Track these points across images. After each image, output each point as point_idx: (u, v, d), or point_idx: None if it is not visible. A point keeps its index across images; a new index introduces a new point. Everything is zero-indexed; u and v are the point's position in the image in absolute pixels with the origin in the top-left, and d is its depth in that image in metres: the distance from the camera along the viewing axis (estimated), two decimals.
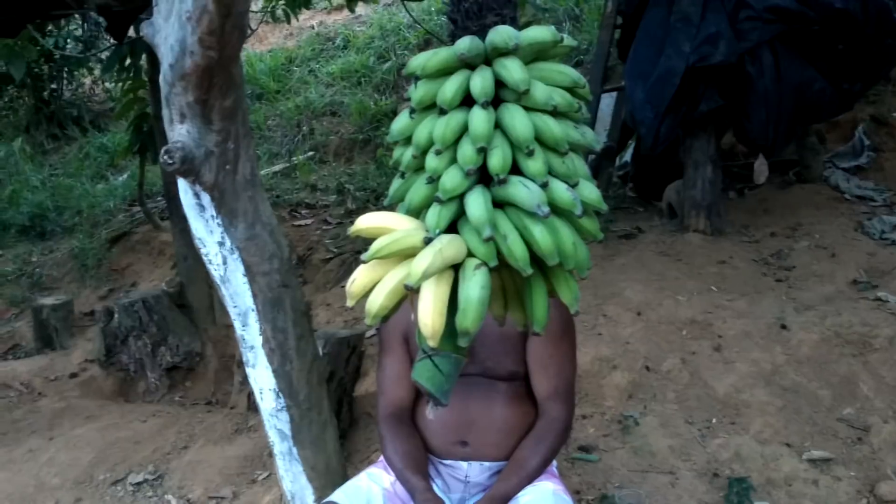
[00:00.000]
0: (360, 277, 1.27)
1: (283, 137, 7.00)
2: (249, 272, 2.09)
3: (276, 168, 6.45)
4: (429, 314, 1.18)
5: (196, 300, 4.25)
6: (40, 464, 3.11)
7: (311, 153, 6.69)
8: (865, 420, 2.70)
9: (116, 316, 3.85)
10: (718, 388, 2.87)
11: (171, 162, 1.87)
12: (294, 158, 6.56)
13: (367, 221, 1.31)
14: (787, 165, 4.93)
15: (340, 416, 2.86)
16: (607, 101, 5.02)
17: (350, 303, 1.29)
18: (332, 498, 1.99)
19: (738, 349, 3.06)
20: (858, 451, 2.59)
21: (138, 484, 2.98)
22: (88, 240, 5.49)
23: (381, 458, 2.14)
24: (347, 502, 1.97)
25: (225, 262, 2.07)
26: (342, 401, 2.94)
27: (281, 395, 2.24)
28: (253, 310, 2.14)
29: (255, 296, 2.12)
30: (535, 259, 1.24)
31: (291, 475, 2.39)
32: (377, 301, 1.23)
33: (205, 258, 2.12)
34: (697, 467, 2.53)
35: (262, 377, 2.23)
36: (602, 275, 3.71)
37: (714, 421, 2.74)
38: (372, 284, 1.25)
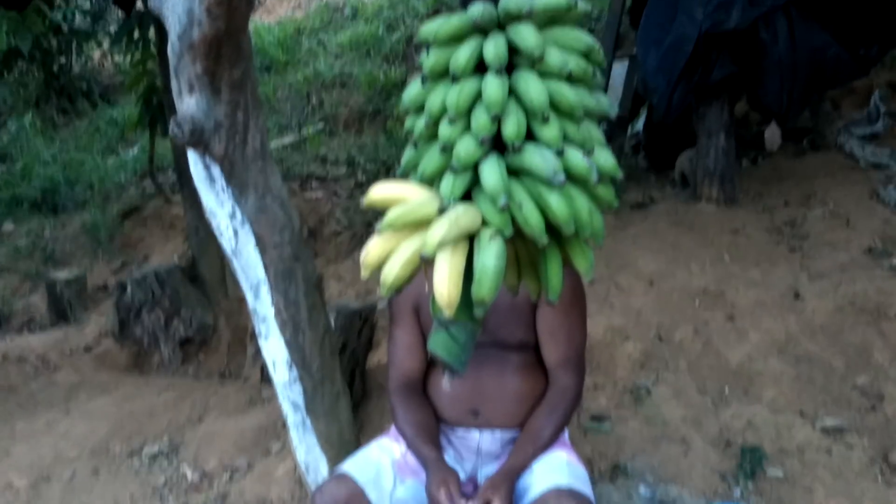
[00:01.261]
0: (374, 248, 1.26)
1: (293, 109, 6.97)
2: (261, 244, 2.08)
3: (286, 140, 6.43)
4: (444, 284, 1.17)
5: (208, 273, 4.25)
6: (57, 435, 3.14)
7: (320, 125, 6.66)
8: (879, 388, 2.69)
9: (129, 290, 3.86)
10: (731, 358, 2.86)
11: (180, 133, 1.87)
12: (304, 130, 6.53)
13: (380, 191, 1.30)
14: (801, 133, 4.87)
15: (353, 387, 2.87)
16: (619, 70, 4.96)
17: (364, 274, 1.28)
18: (343, 468, 2.00)
19: (752, 318, 3.05)
20: (872, 420, 2.58)
21: (154, 455, 3.01)
22: (100, 214, 5.50)
23: (393, 427, 2.15)
24: (358, 472, 1.98)
25: (236, 235, 2.07)
26: (354, 372, 2.95)
27: (294, 366, 2.24)
28: (265, 282, 2.15)
29: (266, 268, 2.12)
30: (550, 228, 1.23)
31: (305, 446, 2.41)
32: (392, 272, 1.22)
33: (216, 230, 2.12)
34: (710, 436, 2.53)
35: (274, 349, 2.24)
36: (614, 245, 3.70)
37: (727, 390, 2.74)
38: (386, 255, 1.25)
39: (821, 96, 4.58)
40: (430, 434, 2.02)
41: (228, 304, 4.20)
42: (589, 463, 2.44)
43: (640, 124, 5.17)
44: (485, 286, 1.17)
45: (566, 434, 2.11)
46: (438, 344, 1.31)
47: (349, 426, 2.51)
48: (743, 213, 4.04)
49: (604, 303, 3.24)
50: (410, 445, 2.02)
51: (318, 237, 4.92)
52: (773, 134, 4.66)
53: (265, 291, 2.16)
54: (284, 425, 2.87)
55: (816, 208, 4.02)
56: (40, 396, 3.53)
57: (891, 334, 2.89)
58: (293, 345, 2.23)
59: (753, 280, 3.31)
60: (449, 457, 2.07)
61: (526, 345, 2.04)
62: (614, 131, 4.70)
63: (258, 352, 3.59)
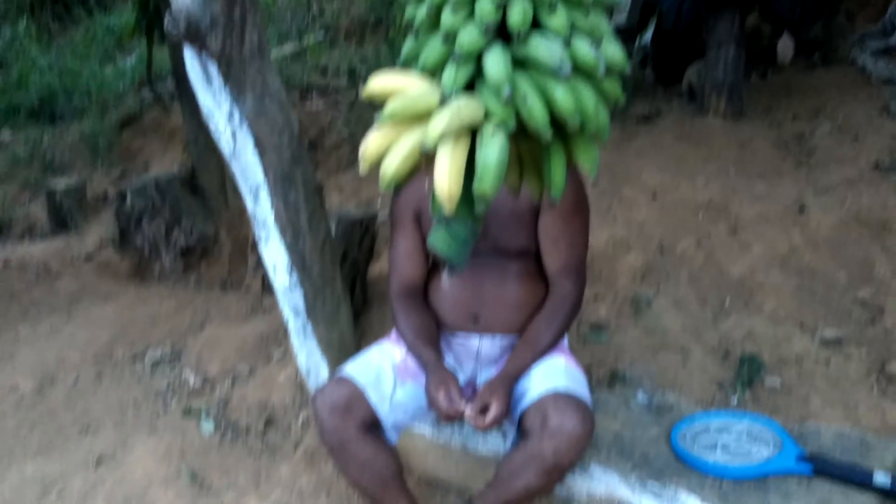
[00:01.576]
0: (373, 141, 1.22)
1: (293, 18, 6.81)
2: (259, 146, 2.05)
3: (286, 50, 6.29)
4: (445, 178, 1.14)
5: (208, 183, 4.21)
6: (61, 340, 3.16)
7: (321, 34, 6.51)
8: (880, 301, 2.69)
9: (129, 199, 3.83)
10: (733, 270, 2.86)
11: (175, 28, 1.81)
12: (304, 40, 6.39)
13: (379, 82, 1.25)
14: (813, 46, 4.76)
15: (354, 296, 2.87)
16: None
17: (363, 168, 1.25)
18: (343, 371, 2.01)
19: (755, 231, 3.03)
20: (871, 332, 2.59)
21: (156, 361, 3.04)
22: (98, 123, 5.42)
23: (394, 332, 2.16)
24: (358, 375, 1.99)
25: (234, 136, 2.03)
26: (355, 281, 2.95)
27: (294, 270, 2.24)
28: (264, 185, 2.12)
29: (265, 170, 2.09)
30: (555, 123, 1.20)
31: (306, 351, 2.42)
32: (392, 165, 1.19)
33: (214, 132, 2.08)
34: (709, 346, 2.54)
35: (274, 253, 2.23)
36: (618, 158, 3.66)
37: (727, 301, 2.74)
38: (386, 148, 1.21)
39: (835, 7, 4.45)
40: (430, 338, 2.03)
41: (229, 214, 4.17)
42: (587, 371, 2.45)
43: (648, 37, 5.05)
44: (487, 180, 1.14)
45: (565, 341, 2.12)
46: (438, 240, 1.29)
47: (350, 332, 2.52)
48: (750, 126, 3.98)
49: (606, 215, 3.21)
50: (411, 349, 2.03)
51: (318, 149, 4.87)
52: (785, 46, 4.54)
53: (264, 195, 2.13)
54: (285, 332, 2.89)
55: (825, 123, 3.95)
56: (42, 303, 3.55)
57: (894, 248, 2.88)
58: (293, 249, 2.21)
59: (758, 193, 3.28)
60: (448, 362, 2.09)
61: (527, 252, 2.03)
62: (622, 43, 4.59)
63: (259, 262, 3.59)
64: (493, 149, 1.15)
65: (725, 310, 2.71)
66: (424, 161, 1.19)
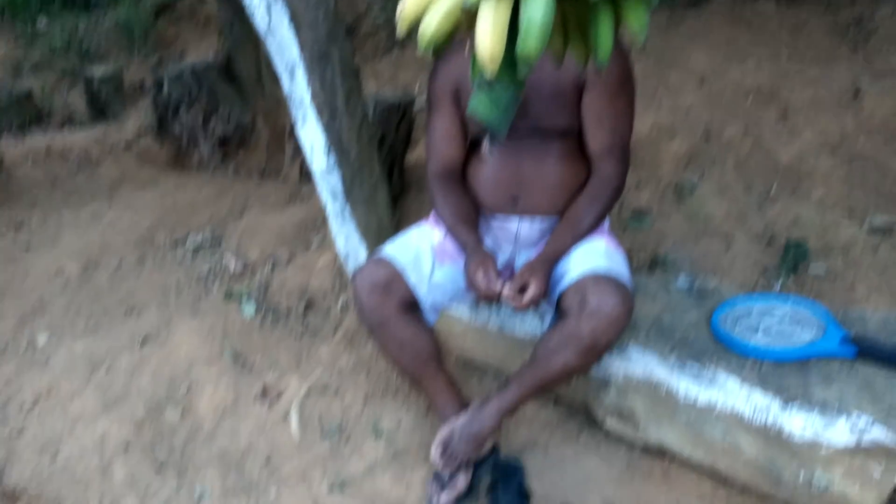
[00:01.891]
0: (411, 1, 1.17)
1: None
2: (295, 21, 1.99)
3: None
4: (488, 36, 1.09)
5: (244, 71, 4.14)
6: (103, 225, 3.21)
7: None
8: None
9: (166, 86, 3.80)
10: (781, 156, 2.77)
11: None
12: None
13: None
14: None
15: (391, 182, 2.85)
16: None
17: (401, 29, 1.20)
18: (382, 252, 2.01)
19: (806, 117, 2.92)
20: None
21: (197, 246, 3.07)
22: (134, 10, 5.35)
23: (432, 213, 2.14)
24: (397, 255, 1.99)
25: (269, 11, 1.98)
26: (393, 167, 2.92)
27: (332, 151, 2.21)
28: (300, 63, 2.07)
29: (301, 47, 2.03)
30: None
31: (344, 234, 2.42)
32: (431, 24, 1.13)
33: (248, 8, 2.02)
34: (753, 233, 2.49)
35: (312, 134, 2.20)
36: (665, 42, 3.52)
37: (774, 188, 2.67)
38: (424, 8, 1.16)
39: None
40: (469, 219, 2.01)
41: (266, 103, 4.12)
42: (628, 256, 2.43)
43: None
44: (531, 40, 1.09)
45: (606, 223, 2.08)
46: (479, 105, 1.24)
47: (388, 216, 2.51)
48: (805, 10, 3.79)
49: (651, 100, 3.11)
50: (450, 230, 2.01)
51: (355, 35, 4.76)
52: None
53: (300, 73, 2.09)
54: (324, 220, 2.89)
55: (885, 6, 3.74)
56: (84, 189, 3.58)
57: None
58: (330, 130, 2.18)
59: (811, 78, 3.15)
60: (487, 244, 2.07)
61: (569, 131, 1.97)
62: None
63: (297, 150, 3.58)
64: (537, 7, 1.09)
65: (772, 196, 2.63)
66: (465, 20, 1.14)
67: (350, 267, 2.48)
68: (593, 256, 1.89)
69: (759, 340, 1.88)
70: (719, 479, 1.97)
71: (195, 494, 2.09)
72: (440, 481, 2.01)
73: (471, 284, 1.90)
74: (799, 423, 1.73)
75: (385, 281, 1.94)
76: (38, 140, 4.04)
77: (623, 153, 1.97)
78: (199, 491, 2.10)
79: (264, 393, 2.39)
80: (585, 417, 2.19)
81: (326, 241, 2.90)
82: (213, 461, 2.18)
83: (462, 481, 2.01)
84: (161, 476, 2.14)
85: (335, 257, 2.79)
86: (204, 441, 2.25)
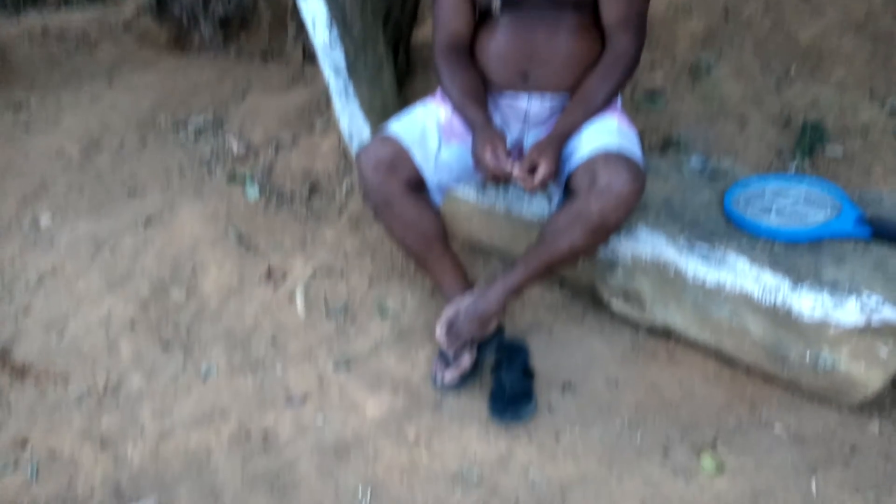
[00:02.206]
0: None
1: None
2: None
3: None
4: None
5: None
6: (103, 106, 3.14)
7: None
8: None
9: None
10: (802, 36, 2.65)
11: None
12: None
13: None
14: None
15: (397, 60, 2.75)
16: None
17: None
18: (388, 129, 1.95)
19: None
20: None
21: (199, 128, 3.01)
22: None
23: (438, 91, 2.07)
24: (403, 133, 1.93)
25: None
26: (398, 45, 2.81)
27: (334, 25, 2.12)
28: None
29: None
30: None
31: (348, 113, 2.36)
32: None
33: None
34: (770, 114, 2.41)
35: (314, 6, 2.11)
36: None
37: (793, 69, 2.57)
38: None
39: None
40: (477, 96, 1.94)
41: None
42: (640, 136, 2.37)
43: None
44: None
45: (619, 101, 2.01)
46: None
47: (393, 96, 2.44)
48: None
49: None
50: (457, 107, 1.94)
51: None
52: None
53: None
54: (328, 103, 2.82)
55: None
56: (83, 70, 3.50)
57: None
58: (332, 2, 2.09)
59: None
60: (496, 123, 2.01)
61: (583, 2, 1.88)
62: None
63: (299, 31, 3.46)
64: None
65: (790, 77, 2.54)
66: None
67: (354, 147, 2.43)
68: (605, 134, 1.83)
69: (771, 221, 1.84)
70: (724, 360, 1.97)
71: (201, 371, 2.11)
72: (445, 360, 2.02)
73: (478, 164, 1.85)
74: (808, 304, 1.71)
75: (390, 158, 1.89)
76: (34, 20, 3.93)
77: (639, 26, 1.88)
78: (206, 367, 2.12)
79: (269, 274, 2.39)
80: (591, 299, 2.18)
81: (331, 125, 2.84)
82: (219, 339, 2.19)
83: (467, 360, 2.01)
84: (167, 353, 2.16)
85: (339, 140, 2.74)
86: (209, 320, 2.25)
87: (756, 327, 1.82)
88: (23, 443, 1.95)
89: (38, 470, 1.88)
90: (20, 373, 2.12)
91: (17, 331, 2.24)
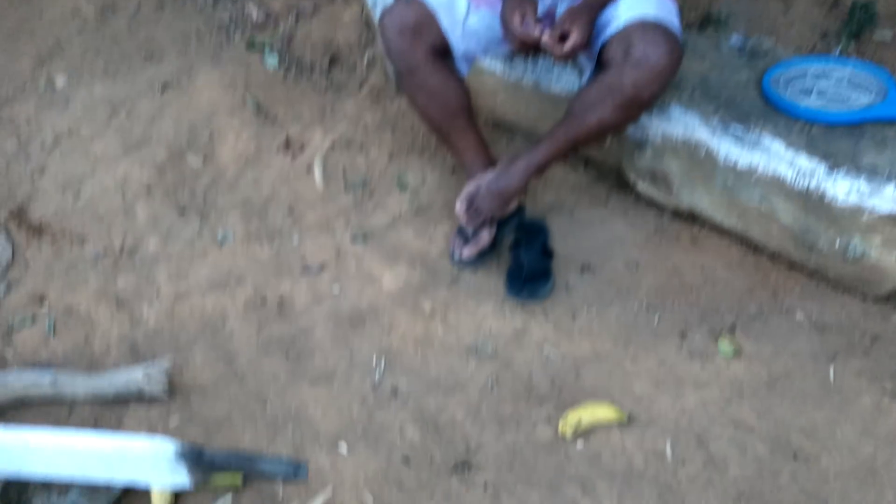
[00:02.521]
0: None
1: None
2: None
3: None
4: None
5: None
6: None
7: None
8: None
9: None
10: None
11: None
12: None
13: None
14: None
15: None
16: None
17: None
18: None
19: None
20: None
21: None
22: None
23: None
24: None
25: None
26: None
27: None
28: None
29: None
30: None
31: None
32: None
33: None
34: None
35: None
36: None
37: None
38: None
39: None
40: None
41: None
42: (679, 10, 2.25)
43: None
44: None
45: None
46: None
47: None
48: None
49: None
50: None
51: None
52: None
53: None
54: None
55: None
56: None
57: None
58: None
59: None
60: None
61: None
62: None
63: None
64: None
65: None
66: None
67: (377, 13, 2.33)
68: (643, 3, 1.73)
69: (812, 103, 1.76)
70: (749, 246, 1.93)
71: (218, 237, 2.09)
72: (463, 236, 1.99)
73: (507, 30, 1.76)
74: (843, 189, 1.65)
75: (415, 22, 1.81)
76: None
77: None
78: (222, 234, 2.10)
79: (287, 145, 2.34)
80: (616, 181, 2.12)
81: None
82: (236, 207, 2.17)
83: (486, 237, 1.98)
84: (184, 218, 2.14)
85: (361, 10, 2.63)
86: (226, 188, 2.22)
87: (786, 213, 1.76)
88: (40, 299, 1.96)
89: (55, 325, 1.89)
90: (37, 231, 2.11)
91: (34, 190, 2.22)
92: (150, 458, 1.03)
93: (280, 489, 1.54)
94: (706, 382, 1.69)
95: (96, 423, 1.66)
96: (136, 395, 1.68)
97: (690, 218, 1.99)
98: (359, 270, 1.99)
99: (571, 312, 1.87)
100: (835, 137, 1.71)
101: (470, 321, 1.86)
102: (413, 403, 1.70)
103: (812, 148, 1.69)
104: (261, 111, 2.41)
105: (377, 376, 1.76)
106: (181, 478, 1.04)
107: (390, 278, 1.97)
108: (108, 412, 1.68)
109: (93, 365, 1.80)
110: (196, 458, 1.02)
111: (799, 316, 1.80)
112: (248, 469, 0.97)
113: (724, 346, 1.75)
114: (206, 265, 2.02)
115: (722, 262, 1.93)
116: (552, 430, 1.62)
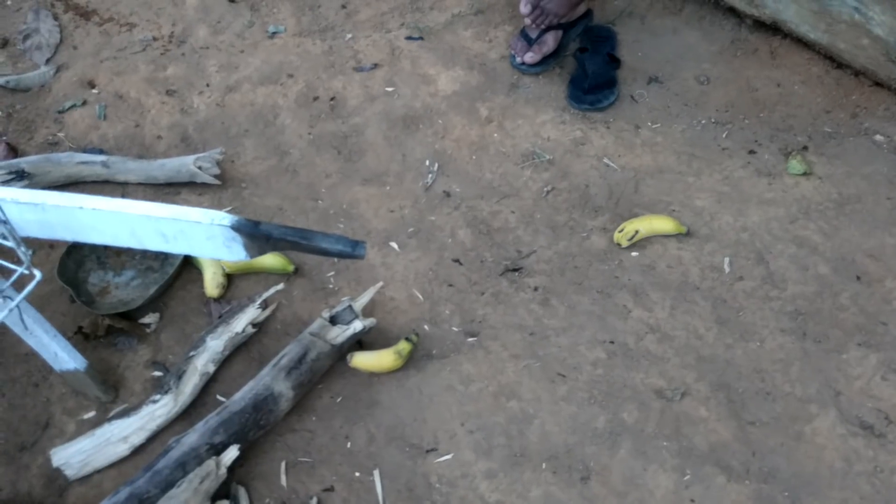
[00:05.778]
0: None
1: None
2: None
3: None
4: None
5: None
6: None
7: None
8: None
9: None
10: None
11: None
12: None
13: None
14: None
15: None
16: None
17: None
18: None
19: None
20: None
21: None
22: None
23: None
24: None
25: None
26: None
27: None
28: None
29: None
30: None
31: None
32: None
33: None
34: None
35: None
36: None
37: None
38: None
39: None
40: None
41: None
42: None
43: None
44: None
45: None
46: None
47: None
48: None
49: None
50: None
51: None
52: None
53: None
54: None
55: None
56: None
57: None
58: None
59: None
60: None
61: None
62: None
63: None
64: None
65: None
66: None
67: None
68: None
69: None
70: (833, 62, 1.80)
71: (269, 30, 2.01)
72: (527, 39, 1.88)
73: None
74: None
75: None
76: None
77: None
78: (273, 27, 2.01)
79: None
80: None
81: None
82: (286, 1, 2.06)
83: (550, 41, 1.87)
84: (233, 8, 2.05)
85: None
86: None
87: (881, 25, 1.62)
88: (90, 83, 1.92)
89: (105, 110, 1.86)
90: (84, 14, 2.04)
91: None
92: (205, 229, 1.01)
93: (332, 279, 1.54)
94: (772, 200, 1.62)
95: None
96: (187, 179, 1.66)
97: (772, 29, 1.86)
98: (414, 70, 1.91)
99: (635, 125, 1.79)
100: None
101: (528, 129, 1.79)
102: (465, 207, 1.66)
103: None
104: None
105: (430, 179, 1.72)
106: (237, 250, 1.02)
107: (446, 80, 1.88)
108: (161, 196, 1.67)
109: (144, 151, 1.78)
110: (252, 231, 0.99)
111: (879, 138, 1.70)
112: (304, 243, 0.95)
113: (795, 164, 1.66)
114: (256, 57, 1.95)
115: (800, 78, 1.81)
116: (607, 240, 1.58)
